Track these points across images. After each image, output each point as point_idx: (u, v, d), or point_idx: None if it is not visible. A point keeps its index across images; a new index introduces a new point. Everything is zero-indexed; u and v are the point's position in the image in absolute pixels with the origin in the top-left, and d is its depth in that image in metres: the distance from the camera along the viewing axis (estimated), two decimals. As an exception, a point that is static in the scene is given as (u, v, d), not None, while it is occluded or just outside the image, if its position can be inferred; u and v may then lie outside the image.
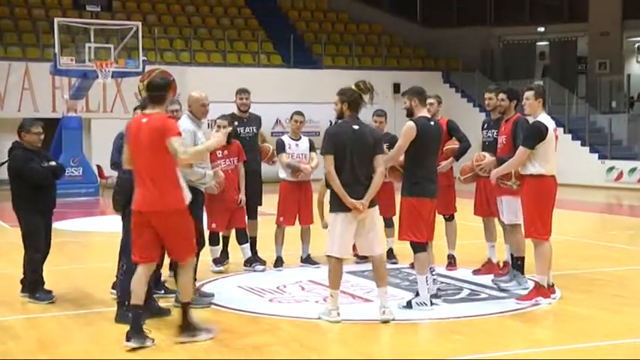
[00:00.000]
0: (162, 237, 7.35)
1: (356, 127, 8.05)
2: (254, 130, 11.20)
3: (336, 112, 8.21)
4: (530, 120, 8.99)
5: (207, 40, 31.64)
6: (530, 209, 8.71)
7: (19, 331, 8.02)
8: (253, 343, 7.49)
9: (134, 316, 7.28)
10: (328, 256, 8.12)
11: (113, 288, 9.05)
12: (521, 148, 8.69)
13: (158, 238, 7.35)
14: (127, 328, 7.29)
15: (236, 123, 11.02)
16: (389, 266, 10.72)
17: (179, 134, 7.26)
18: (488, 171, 9.41)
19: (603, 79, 31.77)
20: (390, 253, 11.26)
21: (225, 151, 10.54)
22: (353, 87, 8.19)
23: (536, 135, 8.64)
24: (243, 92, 11.29)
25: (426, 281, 8.57)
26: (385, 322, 8.01)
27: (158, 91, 7.40)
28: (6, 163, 9.47)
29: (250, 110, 11.22)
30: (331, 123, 12.54)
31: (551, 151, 8.68)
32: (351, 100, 8.12)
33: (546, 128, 8.64)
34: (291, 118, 11.13)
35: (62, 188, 22.15)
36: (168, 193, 7.23)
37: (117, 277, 8.70)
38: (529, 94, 8.82)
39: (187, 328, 7.44)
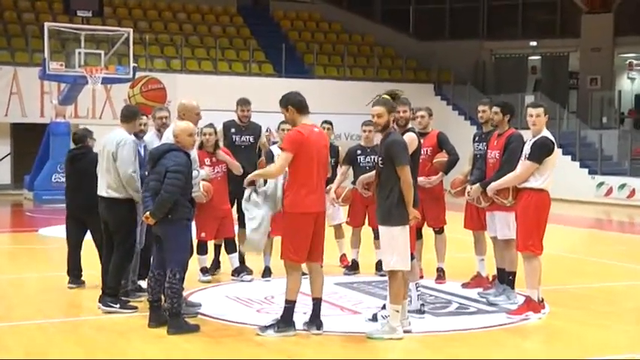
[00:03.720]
0: (316, 237, 7.84)
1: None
2: (250, 139, 11.15)
3: (380, 125, 7.89)
4: (525, 136, 8.97)
5: (198, 48, 31.53)
6: (527, 223, 8.62)
7: (3, 340, 7.90)
8: (240, 354, 7.42)
9: (286, 309, 7.87)
10: (391, 271, 7.88)
11: (99, 301, 8.90)
12: (528, 163, 8.62)
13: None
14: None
15: (232, 130, 10.99)
16: (378, 278, 10.69)
17: None
18: (475, 199, 9.39)
19: (594, 95, 31.83)
20: (380, 265, 11.17)
21: (213, 158, 10.51)
22: (386, 96, 8.02)
23: (545, 150, 8.63)
24: (244, 104, 11.21)
25: None
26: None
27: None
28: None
29: (251, 119, 11.20)
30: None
31: (552, 167, 8.66)
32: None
33: (553, 143, 8.67)
34: (278, 127, 10.63)
35: (49, 194, 22.30)
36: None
37: (169, 288, 7.95)
38: (539, 110, 8.81)
39: (314, 322, 7.91)
